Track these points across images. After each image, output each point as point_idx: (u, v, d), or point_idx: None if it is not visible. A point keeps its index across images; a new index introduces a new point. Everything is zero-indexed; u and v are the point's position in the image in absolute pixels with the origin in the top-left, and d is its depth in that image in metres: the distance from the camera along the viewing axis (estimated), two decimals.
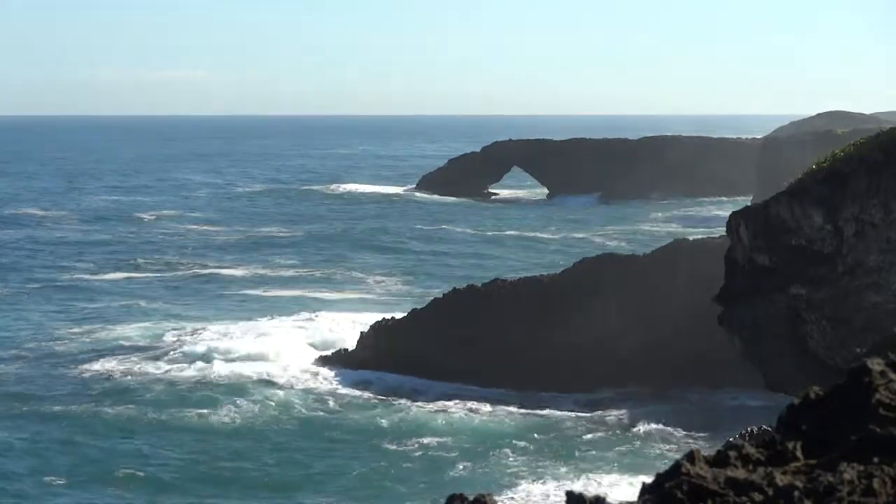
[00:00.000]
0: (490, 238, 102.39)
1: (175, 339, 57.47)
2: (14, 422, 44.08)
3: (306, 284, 76.42)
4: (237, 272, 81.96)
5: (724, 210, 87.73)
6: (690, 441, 40.94)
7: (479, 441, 41.97)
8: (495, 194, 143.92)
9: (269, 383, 50.07)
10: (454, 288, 54.70)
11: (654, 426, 43.61)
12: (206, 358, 53.11)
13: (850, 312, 39.11)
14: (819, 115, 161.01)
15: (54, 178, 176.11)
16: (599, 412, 45.98)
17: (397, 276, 79.92)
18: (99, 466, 39.02)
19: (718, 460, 5.02)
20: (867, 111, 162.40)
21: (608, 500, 5.01)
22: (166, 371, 51.43)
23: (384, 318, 53.51)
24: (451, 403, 47.04)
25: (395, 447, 41.31)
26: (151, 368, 51.92)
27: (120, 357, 53.98)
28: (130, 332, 59.97)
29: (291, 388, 49.61)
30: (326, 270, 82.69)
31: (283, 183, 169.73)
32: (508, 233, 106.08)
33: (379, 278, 79.04)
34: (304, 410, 46.31)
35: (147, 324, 62.16)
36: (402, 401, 47.33)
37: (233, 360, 52.77)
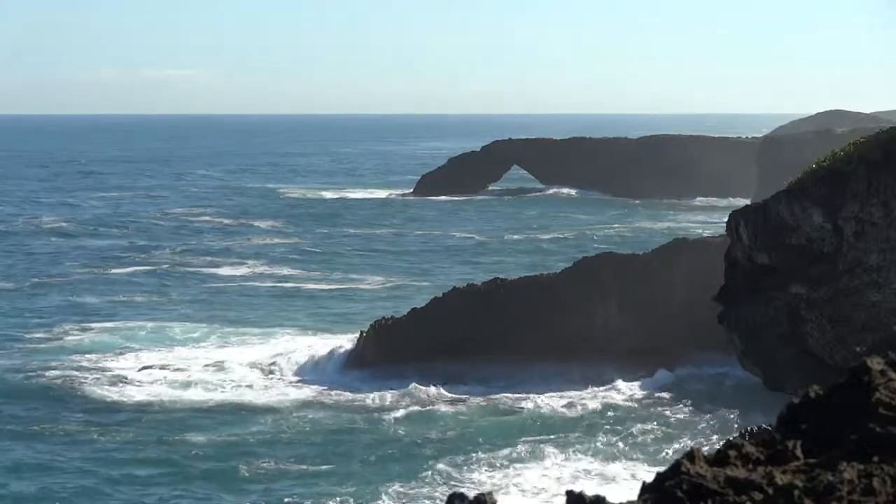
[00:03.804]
0: (490, 237, 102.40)
1: (166, 342, 57.45)
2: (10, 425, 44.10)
3: (306, 282, 76.39)
4: (236, 272, 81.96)
5: (724, 209, 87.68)
6: (690, 440, 40.94)
7: (477, 438, 41.97)
8: (495, 193, 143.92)
9: (269, 383, 50.10)
10: (454, 287, 54.69)
11: (653, 424, 43.60)
12: (204, 362, 53.14)
13: (850, 311, 39.12)
14: (819, 113, 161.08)
15: (53, 178, 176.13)
16: (598, 410, 45.96)
17: (397, 275, 79.92)
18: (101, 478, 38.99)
19: (718, 459, 5.02)
20: (867, 110, 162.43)
21: (608, 499, 5.01)
22: (165, 376, 51.41)
23: (384, 318, 53.50)
24: (450, 402, 47.05)
25: (394, 444, 41.32)
26: (142, 373, 51.90)
27: (95, 358, 53.86)
28: (120, 333, 59.96)
29: (290, 387, 49.65)
30: (326, 269, 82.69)
31: (284, 182, 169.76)
32: (508, 231, 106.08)
33: (379, 277, 79.03)
34: (303, 410, 46.32)
35: (147, 324, 62.16)
36: (402, 400, 47.34)
37: (228, 363, 52.77)
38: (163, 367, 51.56)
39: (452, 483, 36.46)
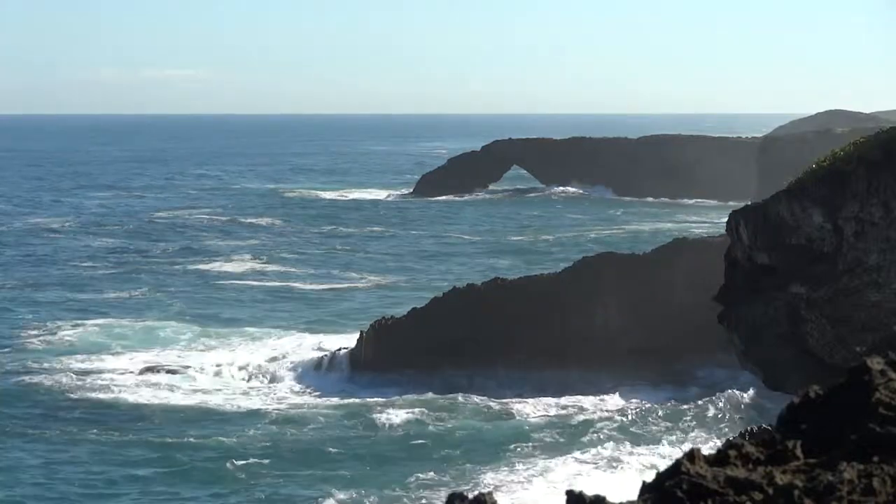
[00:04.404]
0: (489, 237, 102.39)
1: (163, 343, 57.40)
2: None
3: (304, 282, 76.36)
4: (234, 272, 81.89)
5: (723, 209, 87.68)
6: (690, 440, 40.94)
7: (477, 439, 41.97)
8: (495, 193, 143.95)
9: (266, 384, 50.07)
10: (454, 287, 54.66)
11: (653, 424, 43.62)
12: (202, 365, 53.08)
13: (850, 311, 39.11)
14: (819, 113, 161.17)
15: (51, 177, 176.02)
16: (599, 410, 45.97)
17: (397, 275, 79.89)
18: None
19: (718, 459, 5.02)
20: (867, 110, 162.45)
21: (608, 499, 5.01)
22: (167, 381, 51.33)
23: (384, 318, 53.48)
24: (450, 403, 47.03)
25: (393, 446, 41.33)
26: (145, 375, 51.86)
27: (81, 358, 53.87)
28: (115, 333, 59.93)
29: (287, 389, 49.62)
30: (325, 269, 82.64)
31: (283, 182, 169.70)
32: (508, 232, 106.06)
33: (379, 277, 79.01)
34: (300, 412, 46.30)
35: (144, 324, 62.14)
36: (402, 400, 47.32)
37: (225, 364, 52.69)
38: (159, 369, 51.40)
39: (452, 484, 36.44)
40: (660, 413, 45.20)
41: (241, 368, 51.67)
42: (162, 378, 50.14)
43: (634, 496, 5.04)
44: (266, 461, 39.27)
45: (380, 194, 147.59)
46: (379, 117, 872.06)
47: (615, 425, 43.75)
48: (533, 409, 46.24)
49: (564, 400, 47.09)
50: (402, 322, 52.09)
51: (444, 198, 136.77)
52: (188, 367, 51.71)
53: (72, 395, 47.46)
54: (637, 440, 41.69)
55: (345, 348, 52.79)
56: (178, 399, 47.47)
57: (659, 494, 4.82)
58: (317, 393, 48.80)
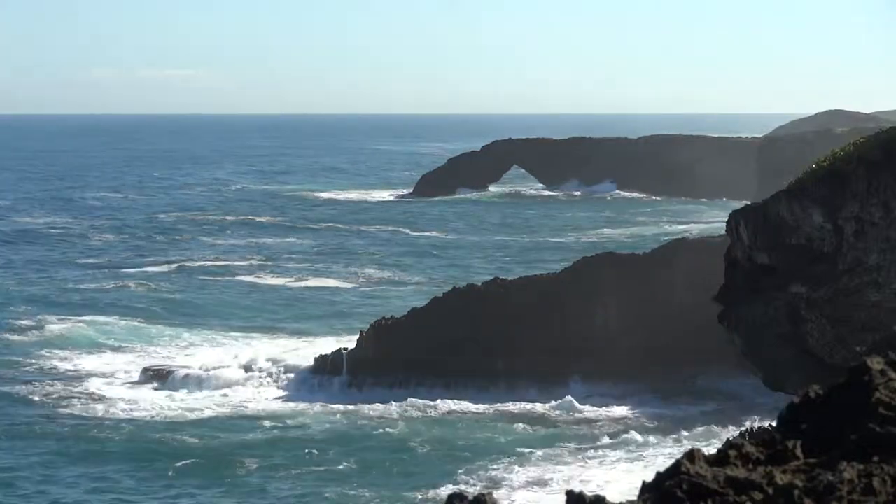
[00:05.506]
0: (489, 237, 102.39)
1: (160, 343, 57.37)
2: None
3: (304, 282, 76.34)
4: (232, 272, 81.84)
5: (723, 209, 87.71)
6: (690, 440, 40.93)
7: (478, 440, 41.97)
8: (495, 193, 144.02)
9: (264, 385, 50.04)
10: (454, 287, 54.67)
11: (653, 424, 43.61)
12: (205, 367, 53.00)
13: (850, 311, 39.10)
14: (819, 113, 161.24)
15: (49, 177, 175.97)
16: (599, 411, 45.97)
17: (397, 275, 79.88)
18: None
19: (718, 459, 5.02)
20: (867, 110, 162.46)
21: (608, 499, 5.01)
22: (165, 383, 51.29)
23: (384, 318, 53.46)
24: (450, 403, 47.03)
25: (392, 447, 41.31)
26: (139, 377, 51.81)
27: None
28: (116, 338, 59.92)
29: (286, 390, 49.60)
30: (324, 269, 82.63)
31: (282, 182, 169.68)
32: (507, 231, 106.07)
33: (379, 277, 79.00)
34: (299, 414, 46.28)
35: (140, 324, 62.12)
36: (401, 400, 47.30)
37: (222, 365, 52.59)
38: (156, 369, 51.25)
39: (452, 484, 36.44)
40: (659, 413, 45.20)
41: (238, 369, 51.55)
42: (159, 379, 50.04)
43: (634, 496, 5.04)
44: (264, 463, 39.23)
45: (379, 194, 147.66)
46: (379, 117, 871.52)
47: (615, 425, 43.76)
48: (532, 409, 46.23)
49: (564, 400, 47.07)
50: (401, 322, 52.07)
51: (443, 198, 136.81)
52: (185, 367, 51.61)
53: (67, 395, 47.41)
54: (637, 440, 41.68)
55: (344, 349, 52.75)
56: (174, 400, 47.40)
57: (659, 494, 4.82)
58: (316, 394, 48.74)
